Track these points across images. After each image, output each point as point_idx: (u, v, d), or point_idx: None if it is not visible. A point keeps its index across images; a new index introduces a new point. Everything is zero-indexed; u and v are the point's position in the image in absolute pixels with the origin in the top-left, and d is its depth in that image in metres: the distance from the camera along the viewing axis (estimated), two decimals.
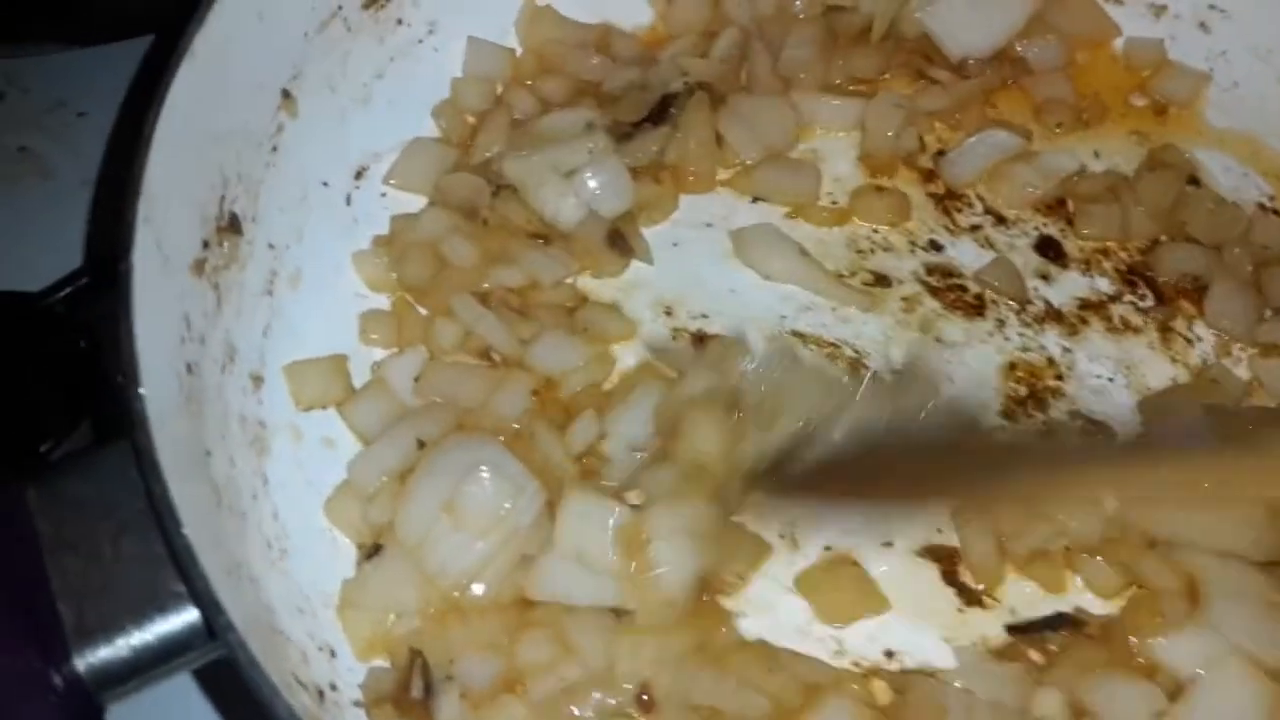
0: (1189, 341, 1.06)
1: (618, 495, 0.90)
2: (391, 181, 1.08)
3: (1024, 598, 0.92)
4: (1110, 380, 1.03)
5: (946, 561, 0.94)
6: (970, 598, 0.92)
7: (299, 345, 0.95)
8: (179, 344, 0.80)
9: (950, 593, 0.92)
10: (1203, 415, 0.95)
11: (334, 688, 0.81)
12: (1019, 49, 1.19)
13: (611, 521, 0.86)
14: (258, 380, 0.91)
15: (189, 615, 0.68)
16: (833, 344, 1.04)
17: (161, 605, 0.68)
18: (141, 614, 0.67)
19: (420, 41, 1.13)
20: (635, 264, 1.06)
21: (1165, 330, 1.06)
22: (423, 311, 1.01)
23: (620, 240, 1.05)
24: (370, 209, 1.06)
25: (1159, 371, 1.04)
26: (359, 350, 0.99)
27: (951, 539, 0.94)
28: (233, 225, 0.91)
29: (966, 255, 1.09)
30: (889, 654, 0.90)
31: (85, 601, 0.67)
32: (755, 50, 1.16)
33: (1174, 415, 0.97)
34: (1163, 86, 1.20)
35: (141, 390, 0.68)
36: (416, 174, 1.08)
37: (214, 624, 0.63)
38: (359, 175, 1.07)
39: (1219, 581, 0.88)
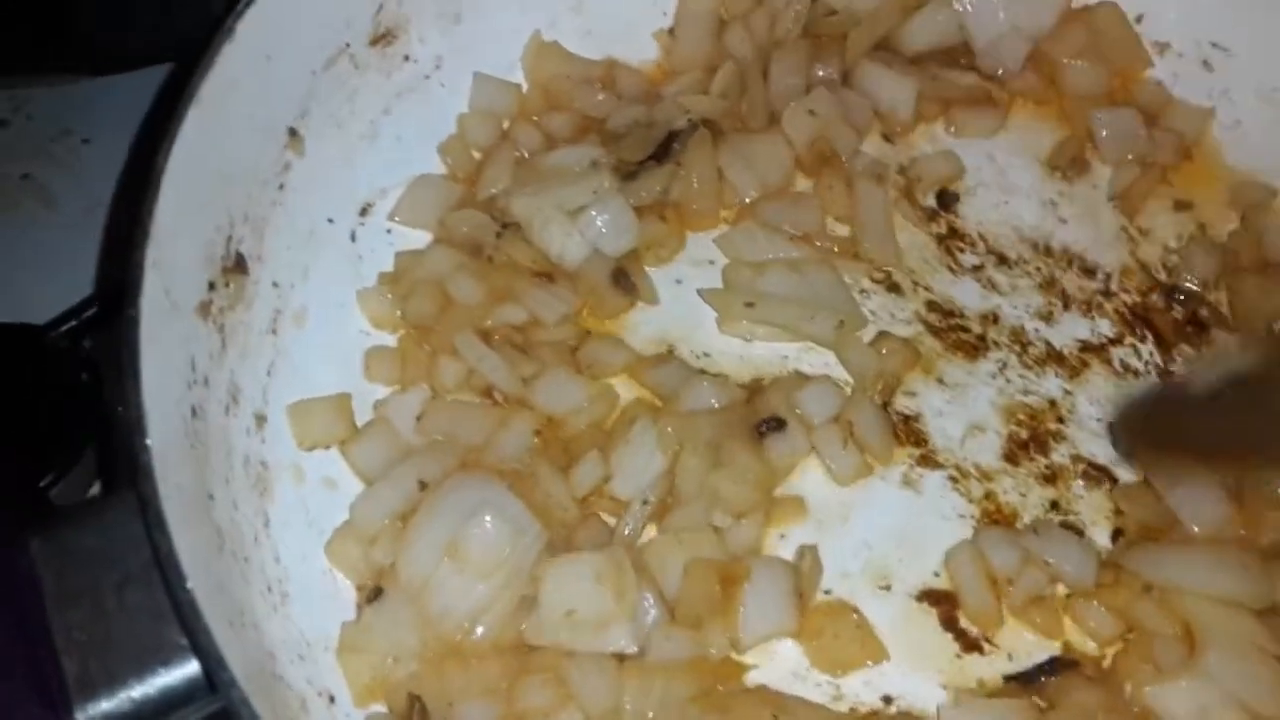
0: None
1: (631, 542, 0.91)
2: (396, 218, 1.08)
3: (1022, 643, 0.93)
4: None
5: (945, 606, 0.94)
6: (968, 643, 0.93)
7: (303, 384, 0.96)
8: (185, 389, 0.80)
9: (949, 638, 0.93)
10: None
11: None
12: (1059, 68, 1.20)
13: (592, 572, 0.86)
14: (261, 420, 0.92)
15: (191, 668, 0.68)
16: (834, 383, 1.04)
17: (164, 658, 0.68)
18: (144, 667, 0.68)
19: (427, 77, 1.13)
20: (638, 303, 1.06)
21: (1165, 374, 1.07)
22: (427, 349, 1.01)
23: (624, 279, 1.06)
24: (375, 246, 1.06)
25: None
26: (363, 388, 0.99)
27: (948, 582, 0.94)
28: (239, 265, 0.91)
29: (968, 296, 1.10)
30: (887, 699, 0.90)
31: (88, 653, 0.67)
32: (752, 84, 1.17)
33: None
34: (1169, 124, 1.20)
35: (148, 441, 0.69)
36: (422, 210, 1.09)
37: (216, 679, 0.64)
38: (364, 212, 1.07)
39: (1215, 628, 0.88)
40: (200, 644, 0.64)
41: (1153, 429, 0.98)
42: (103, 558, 0.70)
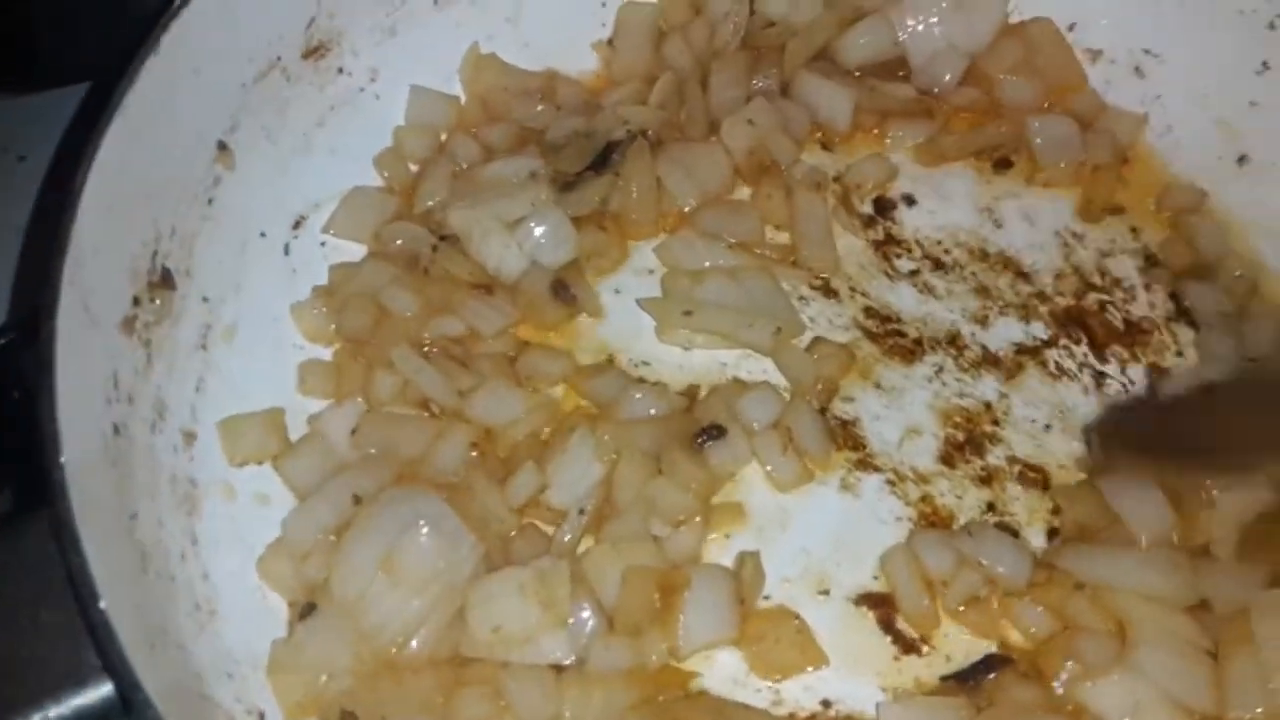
0: (1124, 386, 1.08)
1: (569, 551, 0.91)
2: (331, 231, 1.08)
3: (960, 643, 0.93)
4: (1047, 426, 1.05)
5: (883, 609, 0.94)
6: (906, 645, 0.93)
7: (234, 399, 0.95)
8: (105, 405, 0.79)
9: (887, 640, 0.93)
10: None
11: None
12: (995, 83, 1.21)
13: (516, 586, 0.85)
14: (190, 437, 0.90)
15: (105, 689, 0.67)
16: (773, 389, 1.04)
17: (80, 679, 0.67)
18: (59, 689, 0.66)
19: (362, 90, 1.13)
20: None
21: (1099, 376, 1.08)
22: (362, 363, 1.01)
23: (564, 291, 1.05)
24: (310, 259, 1.06)
25: (1094, 415, 1.05)
26: (296, 403, 0.98)
27: (886, 584, 0.95)
28: (165, 280, 0.90)
29: (905, 301, 1.11)
30: (826, 703, 0.90)
31: (4, 674, 0.66)
32: (691, 94, 1.17)
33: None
34: (1103, 129, 1.21)
35: (62, 459, 0.68)
36: (356, 223, 1.08)
37: (131, 700, 0.63)
38: (298, 225, 1.06)
39: (1146, 625, 0.89)
40: (114, 665, 0.63)
41: (1129, 437, 0.99)
42: (17, 575, 0.69)
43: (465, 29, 1.17)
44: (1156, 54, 1.24)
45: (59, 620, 0.67)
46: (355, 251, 1.07)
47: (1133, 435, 1.00)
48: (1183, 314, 1.11)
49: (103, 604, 0.63)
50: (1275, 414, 0.91)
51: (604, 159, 1.12)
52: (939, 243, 1.15)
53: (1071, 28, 1.25)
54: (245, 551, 0.89)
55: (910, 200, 1.16)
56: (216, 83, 0.97)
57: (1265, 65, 1.19)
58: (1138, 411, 1.04)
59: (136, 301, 0.87)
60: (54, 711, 0.66)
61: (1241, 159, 1.19)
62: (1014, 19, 1.24)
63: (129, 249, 0.86)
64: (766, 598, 0.94)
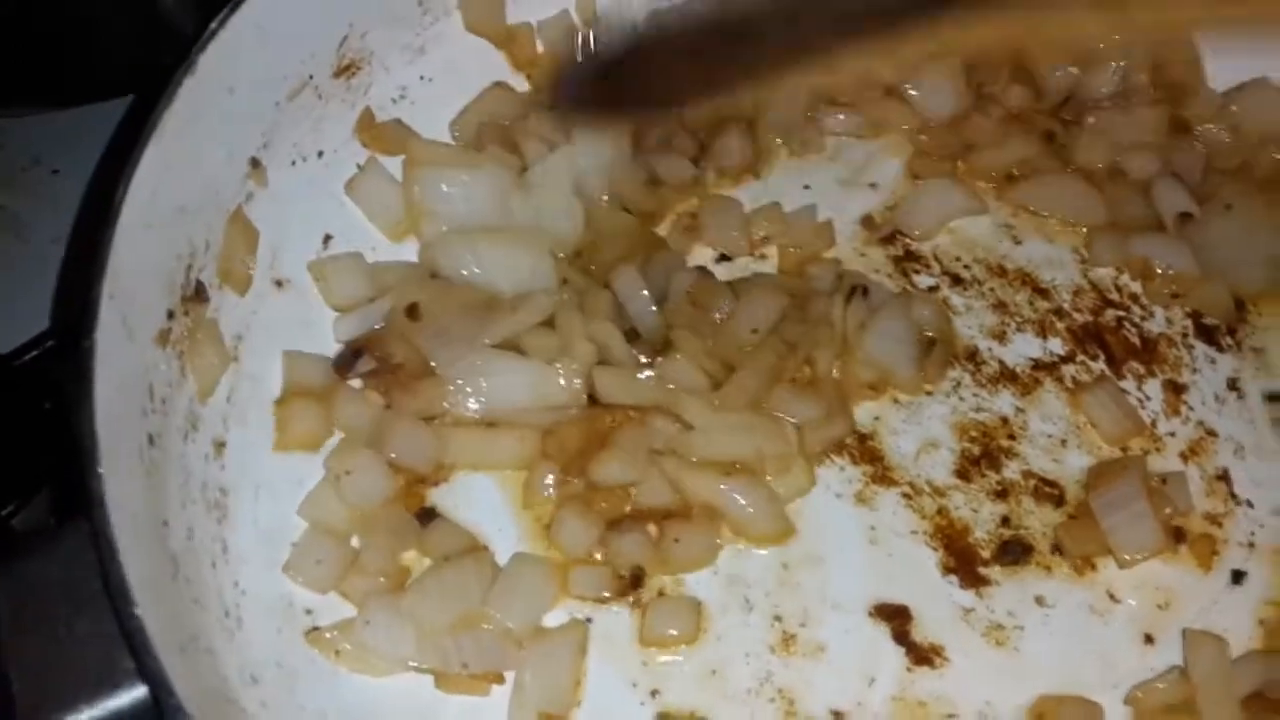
0: (1139, 401, 1.08)
1: None
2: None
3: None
4: (1063, 441, 1.06)
5: (897, 621, 0.96)
6: (919, 657, 0.94)
7: (264, 410, 0.97)
8: (141, 416, 0.82)
9: (901, 651, 0.94)
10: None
11: None
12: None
13: None
14: (220, 447, 0.93)
15: (139, 692, 0.69)
16: None
17: (115, 683, 0.69)
18: (94, 692, 0.69)
19: (395, 102, 1.15)
20: None
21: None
22: None
23: None
24: None
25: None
26: None
27: (901, 596, 0.96)
28: (199, 293, 0.93)
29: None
30: (837, 714, 0.92)
31: (40, 680, 0.68)
32: None
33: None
34: None
35: (100, 470, 0.70)
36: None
37: (163, 703, 0.65)
38: (326, 241, 1.08)
39: None
40: (147, 668, 0.65)
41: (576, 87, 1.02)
42: (56, 585, 0.71)
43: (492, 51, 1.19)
44: None
45: (95, 628, 0.70)
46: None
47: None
48: (1201, 332, 1.12)
49: (137, 610, 0.66)
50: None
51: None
52: (958, 259, 1.16)
53: None
54: (273, 559, 0.91)
55: None
56: (250, 101, 1.00)
57: None
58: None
59: (171, 315, 0.89)
60: (87, 714, 0.68)
61: None
62: None
63: (165, 264, 0.89)
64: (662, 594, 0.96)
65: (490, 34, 1.19)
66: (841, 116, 1.20)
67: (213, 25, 0.92)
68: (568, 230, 1.10)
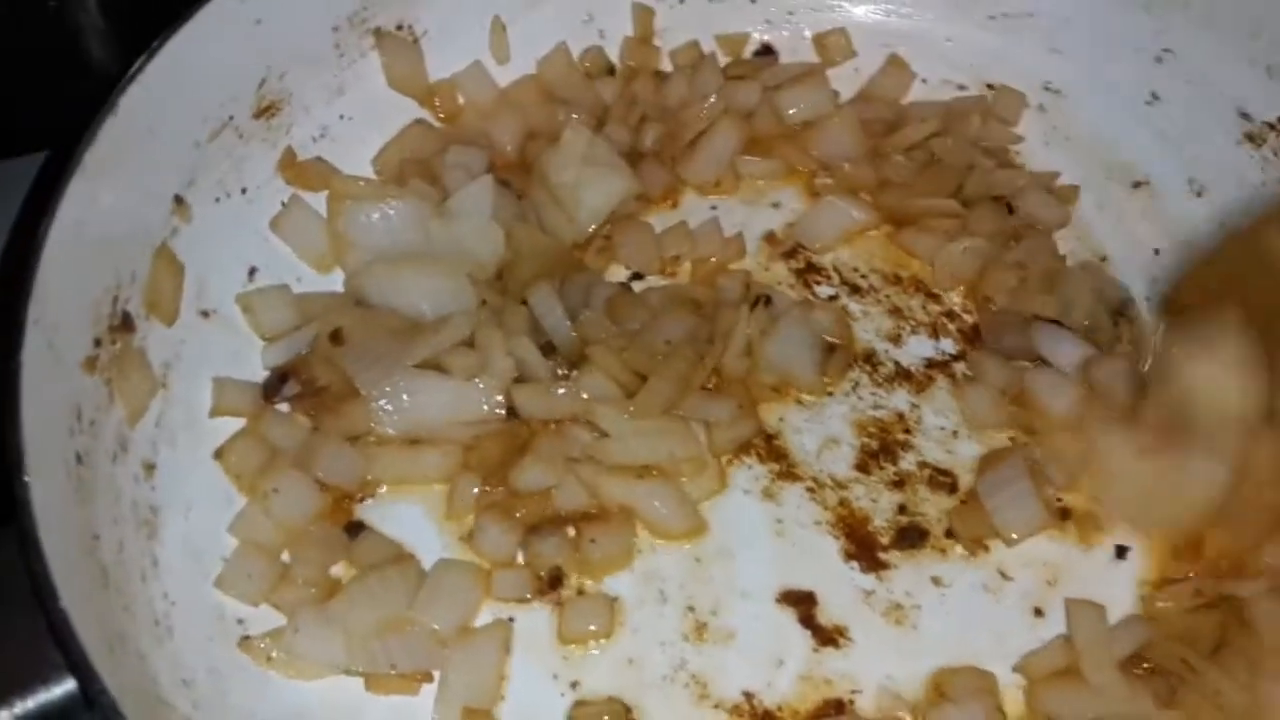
0: None
1: None
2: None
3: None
4: (955, 433, 1.12)
5: (803, 606, 1.01)
6: (824, 637, 0.99)
7: (192, 434, 1.02)
8: (68, 435, 0.86)
9: (807, 634, 1.00)
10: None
11: None
12: None
13: None
14: (149, 468, 0.97)
15: (68, 685, 0.73)
16: None
17: (44, 677, 0.73)
18: (24, 686, 0.72)
19: (315, 140, 1.20)
20: None
21: None
22: None
23: None
24: None
25: None
26: None
27: (806, 583, 1.02)
28: (125, 323, 0.97)
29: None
30: (748, 695, 0.97)
31: None
32: None
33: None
34: None
35: (26, 478, 0.74)
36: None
37: (89, 692, 0.69)
38: (252, 274, 1.13)
39: None
40: (74, 659, 0.69)
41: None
42: None
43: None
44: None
45: (25, 625, 0.73)
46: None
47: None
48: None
49: (62, 603, 0.70)
50: None
51: None
52: (855, 269, 1.23)
53: None
54: (203, 573, 0.95)
55: None
56: (172, 141, 1.05)
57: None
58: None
59: (98, 343, 0.94)
60: (19, 707, 0.72)
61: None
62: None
63: (91, 294, 0.94)
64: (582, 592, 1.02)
65: (413, 92, 1.25)
66: (756, 161, 1.27)
67: (131, 69, 0.97)
68: (488, 253, 1.15)
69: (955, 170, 1.26)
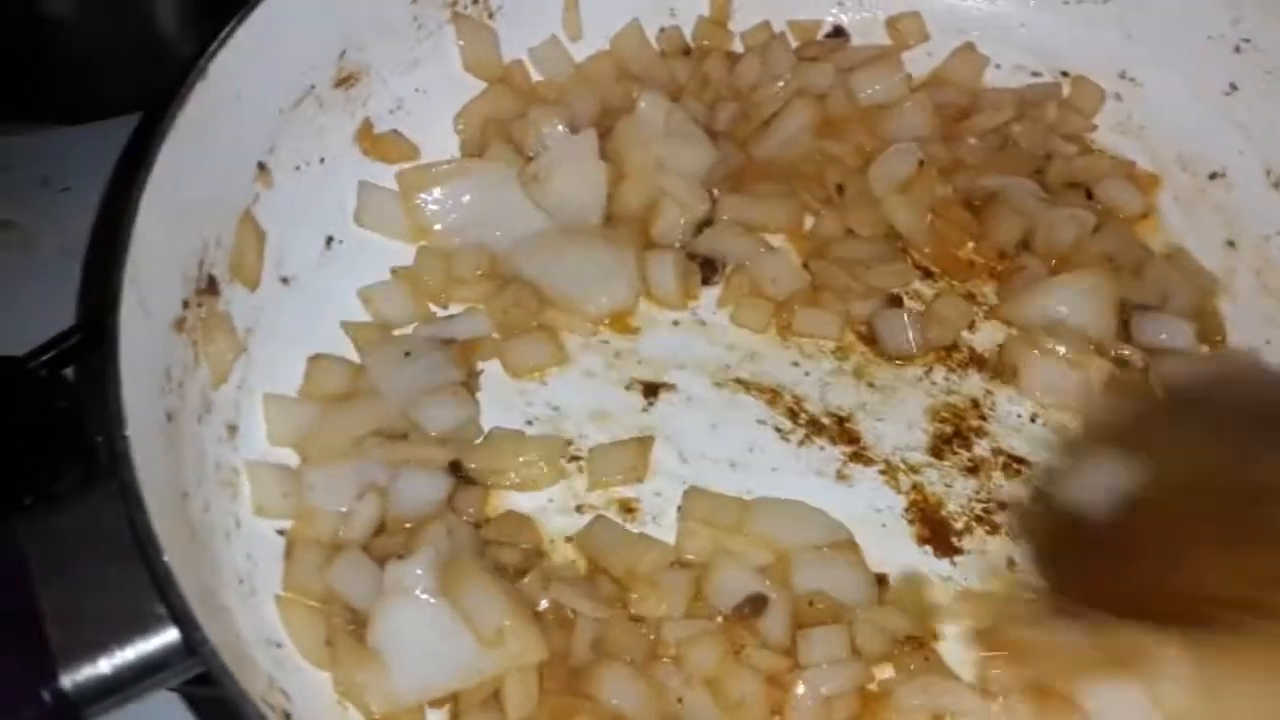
0: None
1: None
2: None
3: None
4: (1032, 420, 1.11)
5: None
6: None
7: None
8: (159, 394, 0.87)
9: None
10: None
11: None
12: None
13: None
14: (232, 429, 0.98)
15: (168, 635, 0.73)
16: (773, 389, 1.11)
17: (143, 626, 0.73)
18: (124, 635, 0.73)
19: (392, 112, 1.21)
20: None
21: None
22: None
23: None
24: (339, 275, 1.13)
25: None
26: None
27: (881, 567, 1.02)
28: (211, 287, 0.98)
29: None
30: None
31: (72, 624, 0.73)
32: None
33: None
34: None
35: (126, 431, 0.75)
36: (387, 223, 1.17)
37: (191, 640, 0.69)
38: (329, 244, 1.14)
39: None
40: (175, 609, 0.70)
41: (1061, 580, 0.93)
42: (86, 538, 0.76)
43: None
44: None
45: (123, 577, 0.74)
46: (381, 271, 1.15)
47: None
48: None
49: (165, 557, 0.70)
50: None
51: None
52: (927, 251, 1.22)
53: None
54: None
55: None
56: (257, 108, 1.05)
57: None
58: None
59: (186, 305, 0.94)
60: (119, 656, 0.72)
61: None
62: None
63: (179, 256, 0.94)
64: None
65: (487, 76, 1.25)
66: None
67: (222, 34, 0.98)
68: (594, 201, 1.16)
69: (1031, 156, 1.25)
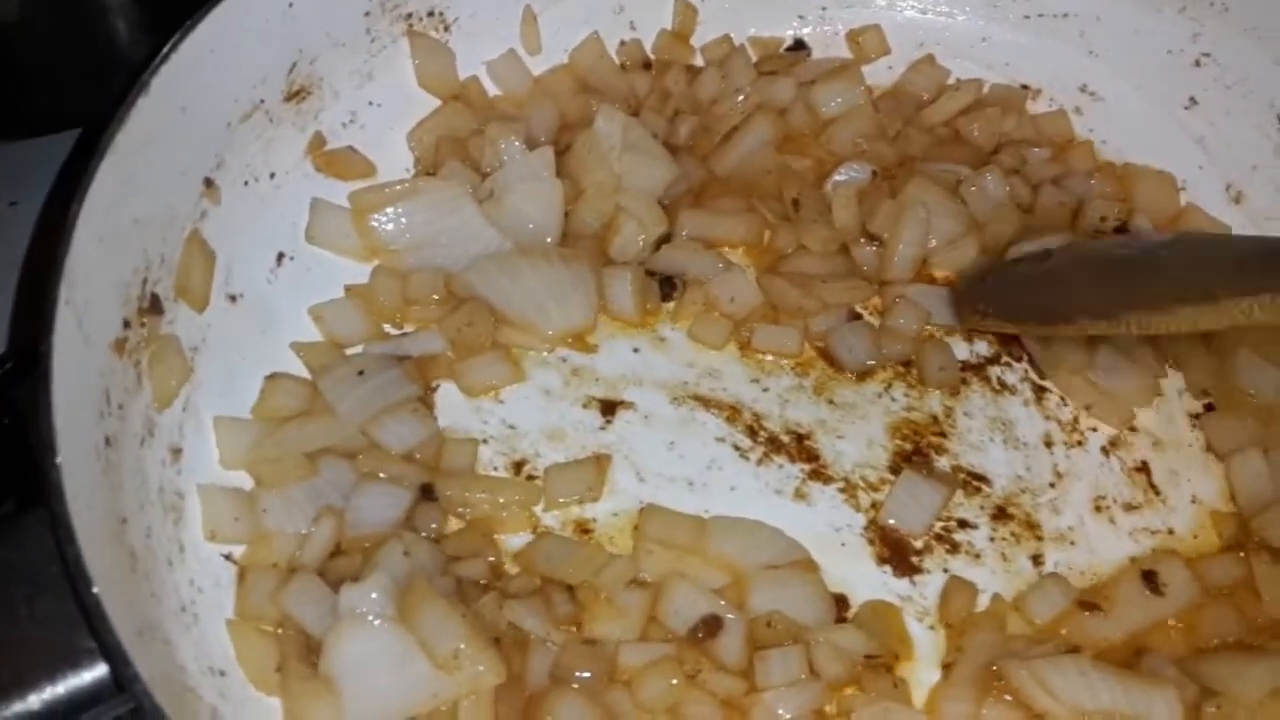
0: (1062, 400, 1.14)
1: None
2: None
3: None
4: (990, 438, 1.11)
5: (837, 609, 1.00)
6: None
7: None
8: (98, 418, 0.84)
9: None
10: None
11: None
12: None
13: None
14: (176, 453, 0.96)
15: (98, 670, 0.71)
16: (732, 406, 1.10)
17: (74, 661, 0.71)
18: (54, 670, 0.71)
19: (345, 126, 1.19)
20: None
21: (1039, 390, 1.14)
22: None
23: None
24: (289, 293, 1.11)
25: (1032, 428, 1.12)
26: None
27: (840, 586, 1.00)
28: (154, 306, 0.96)
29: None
30: None
31: (2, 658, 0.70)
32: None
33: None
34: None
35: (58, 460, 0.73)
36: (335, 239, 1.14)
37: (121, 676, 0.67)
38: (280, 260, 1.12)
39: None
40: (105, 643, 0.67)
41: (983, 298, 1.14)
42: (16, 570, 0.74)
43: None
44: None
45: (54, 610, 0.72)
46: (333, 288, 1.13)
47: (990, 297, 1.14)
48: None
49: (95, 589, 0.68)
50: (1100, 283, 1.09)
51: None
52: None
53: None
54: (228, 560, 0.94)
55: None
56: (203, 122, 1.03)
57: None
58: (990, 276, 1.16)
59: (127, 324, 0.92)
60: (49, 691, 0.70)
61: None
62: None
63: (120, 275, 0.92)
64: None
65: (442, 93, 1.23)
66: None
67: (165, 48, 0.96)
68: (550, 219, 1.14)
69: (978, 150, 1.25)
